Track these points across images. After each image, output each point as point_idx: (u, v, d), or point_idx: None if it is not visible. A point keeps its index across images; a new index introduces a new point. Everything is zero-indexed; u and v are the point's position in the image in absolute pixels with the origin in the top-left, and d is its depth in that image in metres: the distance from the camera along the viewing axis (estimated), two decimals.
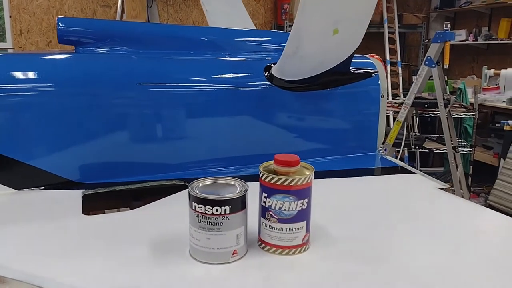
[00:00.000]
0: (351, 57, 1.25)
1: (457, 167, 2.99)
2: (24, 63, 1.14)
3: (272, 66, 1.30)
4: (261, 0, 5.34)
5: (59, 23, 1.21)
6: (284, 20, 5.00)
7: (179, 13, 5.20)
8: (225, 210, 0.74)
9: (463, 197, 3.03)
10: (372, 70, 1.42)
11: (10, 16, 4.70)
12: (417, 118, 4.01)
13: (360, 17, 1.14)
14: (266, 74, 1.29)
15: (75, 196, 1.06)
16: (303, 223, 0.79)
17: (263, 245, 0.81)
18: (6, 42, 4.78)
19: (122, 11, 3.90)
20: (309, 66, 1.24)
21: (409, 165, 3.93)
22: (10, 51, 4.55)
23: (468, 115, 3.46)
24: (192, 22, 5.23)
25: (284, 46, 1.32)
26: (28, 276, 0.72)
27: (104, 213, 1.23)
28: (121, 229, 0.91)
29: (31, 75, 1.09)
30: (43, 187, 1.09)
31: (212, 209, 0.74)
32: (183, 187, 1.15)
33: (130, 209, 1.12)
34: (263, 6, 5.39)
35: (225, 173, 1.24)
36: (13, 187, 1.07)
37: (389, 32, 4.93)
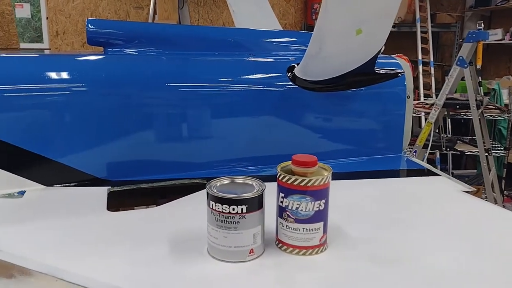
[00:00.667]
0: (375, 57, 1.24)
1: (489, 170, 2.90)
2: (53, 64, 1.18)
3: (295, 67, 1.30)
4: (291, 0, 5.33)
5: (89, 25, 1.24)
6: (314, 20, 4.97)
7: (210, 14, 5.25)
8: (242, 209, 0.75)
9: (495, 200, 2.93)
10: (398, 71, 1.40)
11: (47, 18, 4.86)
12: (449, 119, 3.92)
13: (384, 17, 1.12)
14: (289, 75, 1.29)
15: (101, 193, 1.09)
16: (320, 224, 0.79)
17: (280, 244, 0.81)
18: (43, 42, 4.95)
19: (154, 12, 3.98)
20: (332, 67, 1.23)
21: (441, 167, 3.84)
22: (46, 51, 4.71)
23: (503, 117, 3.35)
24: (222, 23, 5.27)
25: None
26: (52, 269, 0.75)
27: (133, 209, 1.26)
28: (141, 226, 0.93)
29: (60, 75, 1.13)
30: (71, 184, 1.13)
31: (229, 208, 0.75)
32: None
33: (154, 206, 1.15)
34: (293, 6, 5.38)
35: (248, 172, 1.25)
36: (43, 183, 1.11)
37: (421, 32, 4.82)
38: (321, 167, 0.82)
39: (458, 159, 4.55)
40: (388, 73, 1.37)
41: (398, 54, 1.53)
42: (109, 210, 1.00)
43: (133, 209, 1.25)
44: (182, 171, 1.24)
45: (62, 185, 1.13)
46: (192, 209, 0.99)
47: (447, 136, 3.50)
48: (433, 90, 4.74)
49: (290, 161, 0.82)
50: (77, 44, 4.97)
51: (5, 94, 1.07)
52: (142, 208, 1.28)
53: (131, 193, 1.15)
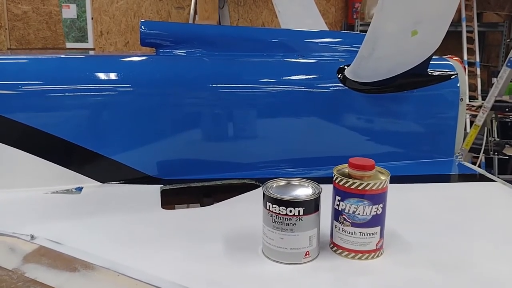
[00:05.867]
0: (429, 59, 1.21)
1: None
2: (110, 65, 1.22)
3: (345, 68, 1.29)
4: None
5: (142, 27, 1.27)
6: (355, 19, 4.90)
7: (249, 13, 5.28)
8: (299, 211, 0.75)
9: None
10: (451, 72, 1.36)
11: (92, 18, 5.01)
12: (496, 122, 3.78)
13: (442, 18, 1.09)
14: (339, 76, 1.28)
15: (154, 190, 1.11)
16: (377, 229, 0.78)
17: (335, 248, 0.81)
18: (87, 42, 5.12)
19: (195, 12, 4.04)
20: (384, 68, 1.21)
21: (486, 171, 3.71)
22: (91, 52, 4.85)
23: None
24: (261, 22, 5.29)
25: (356, 47, 1.31)
26: (114, 264, 0.77)
27: (174, 208, 1.28)
28: (197, 225, 0.95)
29: (117, 76, 1.16)
30: (124, 181, 1.16)
31: (286, 210, 0.75)
32: (254, 186, 1.18)
33: (201, 205, 1.17)
34: (334, 5, 5.33)
35: (294, 174, 1.25)
36: (98, 180, 1.15)
37: (467, 31, 4.68)
38: (378, 170, 0.81)
39: (504, 164, 4.38)
40: (440, 75, 1.34)
41: (450, 56, 1.49)
42: (163, 208, 1.03)
43: (180, 207, 1.28)
44: (230, 171, 1.25)
45: (117, 182, 1.16)
46: (245, 209, 1.00)
47: (494, 139, 3.38)
48: (479, 92, 4.59)
49: (346, 164, 0.81)
50: (120, 43, 5.10)
51: (67, 94, 1.11)
52: (188, 207, 1.31)
53: (182, 191, 1.18)
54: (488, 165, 4.10)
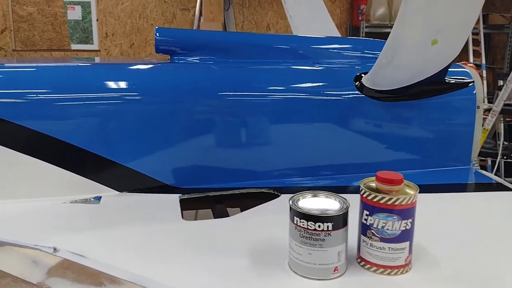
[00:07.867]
0: (448, 66, 1.20)
1: None
2: (126, 73, 1.22)
3: (362, 76, 1.28)
4: (336, 1, 5.27)
5: (157, 34, 1.27)
6: (360, 21, 4.88)
7: (254, 15, 5.26)
8: (328, 226, 0.74)
9: None
10: (468, 80, 1.35)
11: (97, 20, 5.00)
12: (505, 126, 3.77)
13: (462, 26, 1.09)
14: (356, 84, 1.27)
15: (173, 200, 1.11)
16: (407, 244, 0.77)
17: (363, 263, 0.80)
18: (92, 44, 5.10)
19: (200, 14, 4.03)
20: (403, 76, 1.20)
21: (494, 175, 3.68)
22: (97, 58, 4.83)
23: None
24: (266, 24, 5.27)
25: (368, 53, 1.30)
26: (139, 278, 0.76)
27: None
28: (218, 236, 0.94)
29: (132, 84, 1.15)
30: (142, 190, 1.15)
31: (314, 225, 0.74)
32: (272, 195, 1.17)
33: (213, 212, 1.15)
34: (339, 6, 5.31)
35: (307, 183, 1.24)
36: (116, 189, 1.14)
37: (473, 33, 4.67)
38: (406, 184, 0.80)
39: (510, 167, 4.37)
40: (458, 83, 1.33)
41: (464, 62, 1.49)
42: (183, 218, 1.02)
43: (188, 213, 1.27)
44: (246, 180, 1.24)
45: (134, 191, 1.15)
46: (267, 220, 0.99)
47: (504, 143, 3.36)
48: (485, 94, 4.58)
49: (373, 178, 0.81)
50: (125, 45, 5.09)
51: (86, 102, 1.11)
52: (192, 213, 1.30)
53: (200, 200, 1.17)
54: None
